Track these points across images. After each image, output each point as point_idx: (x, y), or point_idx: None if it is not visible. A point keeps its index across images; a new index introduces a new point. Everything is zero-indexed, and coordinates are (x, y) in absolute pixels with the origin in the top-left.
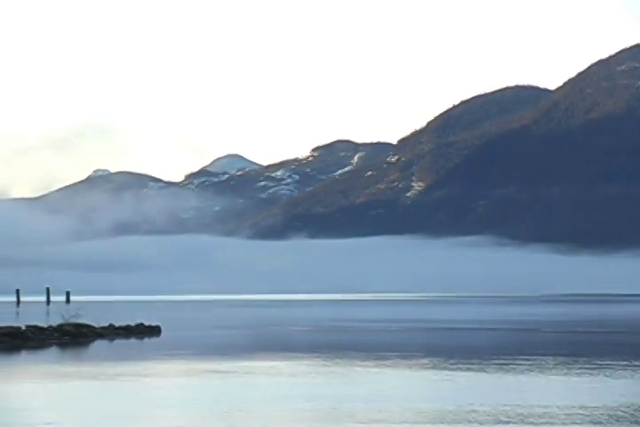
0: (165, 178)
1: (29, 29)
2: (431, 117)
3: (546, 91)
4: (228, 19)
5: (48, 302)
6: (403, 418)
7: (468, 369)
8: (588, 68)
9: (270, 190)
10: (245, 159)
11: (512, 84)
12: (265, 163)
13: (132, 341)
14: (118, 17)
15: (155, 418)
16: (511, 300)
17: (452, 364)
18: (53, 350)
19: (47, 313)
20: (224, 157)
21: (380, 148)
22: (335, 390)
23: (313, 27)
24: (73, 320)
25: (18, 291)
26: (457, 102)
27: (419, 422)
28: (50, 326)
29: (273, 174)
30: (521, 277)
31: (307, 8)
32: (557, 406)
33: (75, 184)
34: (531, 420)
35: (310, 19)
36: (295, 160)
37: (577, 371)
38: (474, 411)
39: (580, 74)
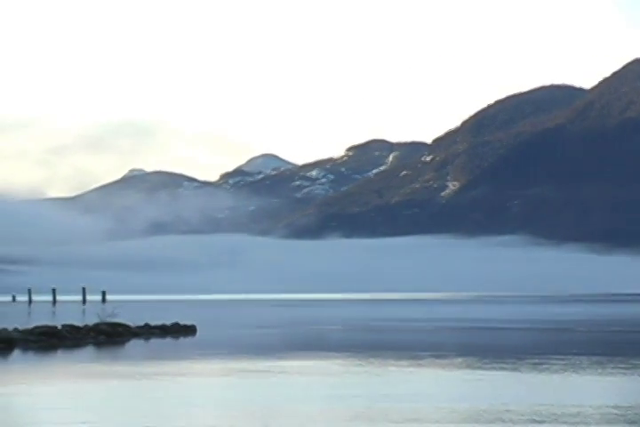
0: (200, 178)
1: (66, 29)
2: (466, 117)
3: (581, 90)
4: (263, 19)
5: (84, 301)
6: (436, 418)
7: (502, 369)
8: (624, 67)
9: (305, 190)
10: (280, 159)
11: (547, 83)
12: (300, 162)
13: (168, 340)
14: (154, 17)
15: (190, 417)
16: (545, 299)
17: (485, 363)
18: (89, 350)
19: (83, 312)
20: (259, 156)
21: (415, 147)
22: (369, 390)
23: (349, 27)
24: (109, 319)
25: (54, 290)
26: (492, 102)
27: (452, 422)
28: (86, 326)
29: (308, 174)
30: (556, 276)
31: (341, 8)
32: (591, 406)
33: (110, 184)
34: (565, 419)
35: (346, 18)
36: (330, 160)
37: (611, 370)
38: (508, 411)
39: (615, 73)
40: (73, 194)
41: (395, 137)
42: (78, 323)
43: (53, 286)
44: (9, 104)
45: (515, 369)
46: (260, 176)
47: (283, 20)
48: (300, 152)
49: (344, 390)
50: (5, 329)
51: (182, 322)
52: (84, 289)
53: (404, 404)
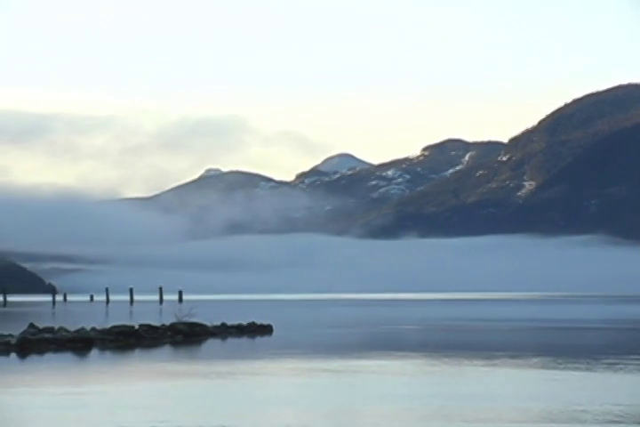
0: (277, 177)
1: (141, 29)
2: (543, 116)
3: None
4: (337, 20)
5: (161, 300)
6: (511, 417)
7: (577, 369)
8: None
9: (381, 190)
10: (356, 158)
11: (625, 82)
12: (376, 162)
13: (244, 339)
14: (231, 16)
15: (266, 416)
16: (623, 299)
17: (560, 363)
18: (166, 349)
19: (160, 312)
20: (335, 156)
21: (491, 147)
22: (444, 390)
23: (426, 28)
24: (186, 319)
25: (131, 290)
26: (569, 101)
27: (527, 422)
28: (163, 325)
29: (384, 174)
30: (633, 276)
31: (412, 15)
32: None
33: (187, 184)
34: None
35: (422, 21)
36: (406, 159)
37: None
38: (583, 411)
39: None
40: (150, 194)
41: (471, 136)
42: (155, 322)
43: (131, 286)
44: (87, 104)
45: (590, 369)
46: (337, 176)
47: (357, 21)
48: (376, 152)
49: (419, 389)
50: (83, 329)
51: (259, 322)
52: (160, 289)
53: (479, 404)
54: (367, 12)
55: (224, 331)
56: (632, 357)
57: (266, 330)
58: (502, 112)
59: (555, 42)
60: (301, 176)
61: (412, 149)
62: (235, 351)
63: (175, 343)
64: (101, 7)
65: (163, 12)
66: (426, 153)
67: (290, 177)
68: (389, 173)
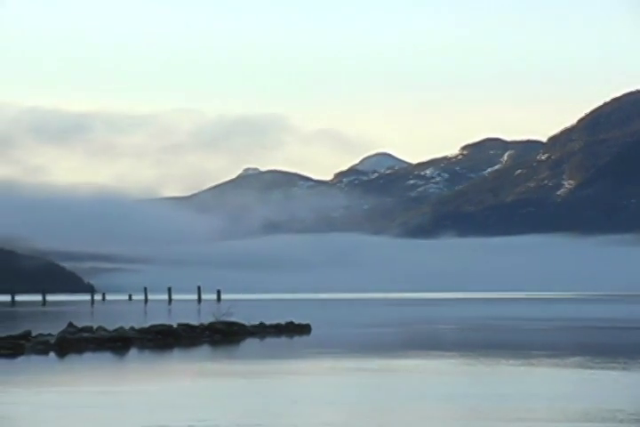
0: (315, 176)
1: (175, 28)
2: (582, 115)
3: None
4: (382, 22)
5: (199, 300)
6: (548, 417)
7: (614, 368)
8: None
9: (419, 189)
10: (395, 158)
11: None
12: (414, 161)
13: (283, 339)
14: (270, 14)
15: (303, 415)
16: None
17: (596, 363)
18: (205, 349)
19: (198, 311)
20: (373, 155)
21: (530, 146)
22: (481, 389)
23: (465, 24)
24: (224, 319)
25: (169, 289)
26: (608, 99)
27: (563, 422)
28: (201, 325)
29: (422, 173)
30: None
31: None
32: None
33: (225, 183)
34: None
35: (461, 18)
36: (444, 158)
37: None
38: (619, 410)
39: None
40: (188, 193)
41: (509, 135)
42: (194, 322)
43: (169, 285)
44: (125, 103)
45: (627, 369)
46: (375, 175)
47: (397, 19)
48: (414, 151)
49: (456, 388)
50: (122, 328)
51: (297, 321)
52: (199, 288)
53: (516, 403)
54: (407, 10)
55: (262, 330)
56: None
57: (304, 329)
58: (541, 111)
59: (593, 40)
60: (339, 175)
61: (451, 148)
62: (273, 351)
63: (213, 343)
64: (138, 7)
65: (200, 10)
66: (464, 152)
67: (328, 176)
68: (428, 172)
